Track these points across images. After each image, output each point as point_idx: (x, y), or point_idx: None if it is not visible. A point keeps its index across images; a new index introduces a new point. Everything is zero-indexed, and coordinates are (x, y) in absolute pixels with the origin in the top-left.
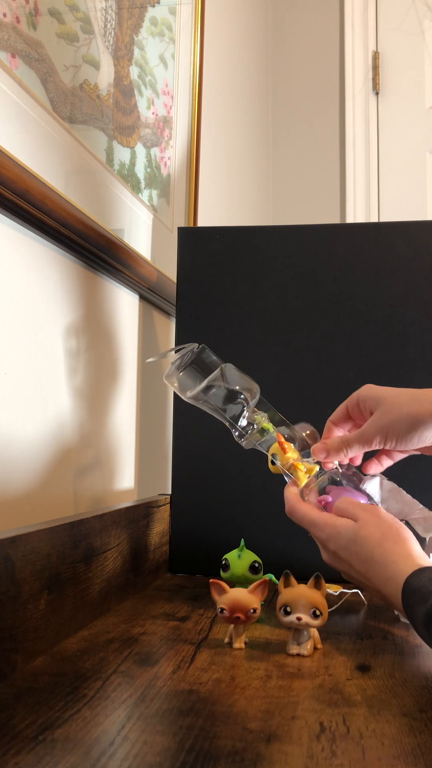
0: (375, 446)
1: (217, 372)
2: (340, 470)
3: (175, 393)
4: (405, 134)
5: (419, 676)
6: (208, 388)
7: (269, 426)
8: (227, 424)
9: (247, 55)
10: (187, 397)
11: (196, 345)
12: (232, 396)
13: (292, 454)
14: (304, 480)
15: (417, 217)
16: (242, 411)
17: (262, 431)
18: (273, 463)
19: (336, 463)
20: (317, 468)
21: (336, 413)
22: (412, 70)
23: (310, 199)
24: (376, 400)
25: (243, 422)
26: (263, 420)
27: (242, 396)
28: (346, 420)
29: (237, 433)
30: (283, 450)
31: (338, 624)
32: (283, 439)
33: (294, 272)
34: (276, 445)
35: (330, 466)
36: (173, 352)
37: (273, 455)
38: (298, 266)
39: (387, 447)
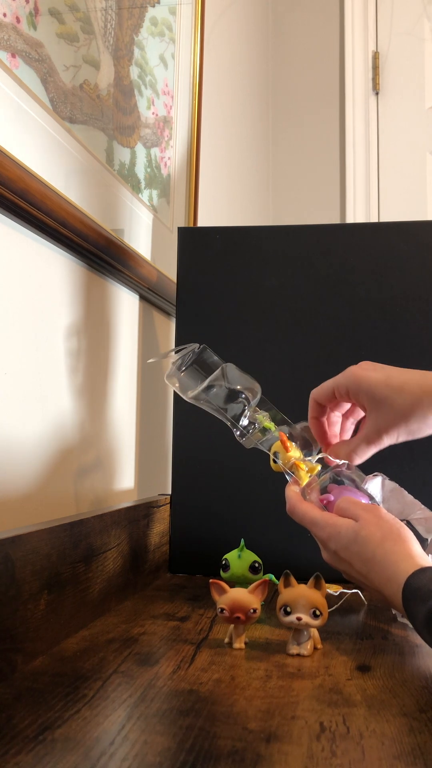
0: (384, 445)
1: (218, 372)
2: (343, 469)
3: (175, 393)
4: (405, 134)
5: (419, 676)
6: (209, 387)
7: (271, 425)
8: (228, 423)
9: (247, 55)
10: (188, 397)
11: (197, 345)
12: (233, 395)
13: (294, 452)
14: (305, 479)
15: (417, 217)
16: (243, 410)
17: (264, 430)
18: (275, 461)
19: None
20: (319, 467)
21: (322, 391)
22: (412, 70)
23: (310, 199)
24: (370, 397)
25: (244, 421)
26: (265, 419)
27: (243, 395)
28: (331, 399)
29: (238, 433)
30: (286, 448)
31: (338, 624)
32: (285, 438)
33: (294, 272)
34: (278, 443)
35: (333, 463)
36: (174, 352)
37: (275, 454)
38: (298, 266)
39: (397, 442)
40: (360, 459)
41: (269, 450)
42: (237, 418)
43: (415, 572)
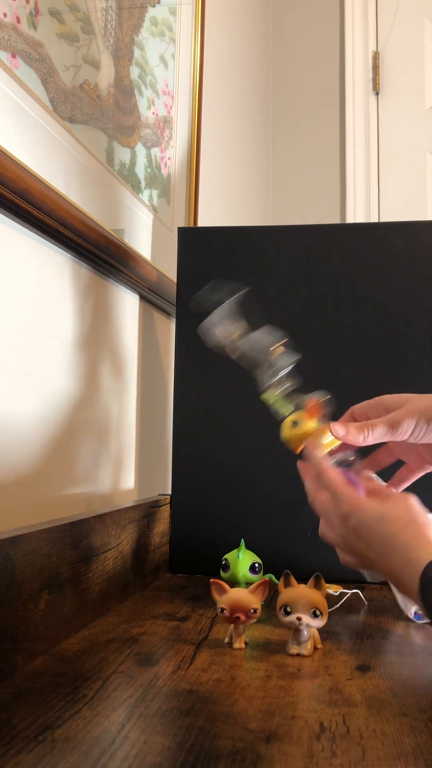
0: (401, 433)
1: (260, 331)
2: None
3: (174, 393)
4: (405, 134)
5: (419, 676)
6: (242, 343)
7: (286, 403)
8: (257, 377)
9: (247, 55)
10: (222, 345)
11: (246, 287)
12: (264, 357)
13: (314, 423)
14: (327, 448)
15: (417, 217)
16: (273, 372)
17: (283, 401)
18: (294, 426)
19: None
20: (339, 442)
21: (361, 407)
22: (412, 70)
23: (310, 199)
24: (402, 398)
25: (272, 380)
26: (284, 393)
27: (276, 358)
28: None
29: (265, 386)
30: (313, 414)
31: (338, 624)
32: (315, 404)
33: (294, 272)
34: (300, 413)
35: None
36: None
37: (295, 422)
38: (298, 266)
39: (413, 437)
40: (371, 437)
41: (286, 415)
42: (269, 374)
43: None
